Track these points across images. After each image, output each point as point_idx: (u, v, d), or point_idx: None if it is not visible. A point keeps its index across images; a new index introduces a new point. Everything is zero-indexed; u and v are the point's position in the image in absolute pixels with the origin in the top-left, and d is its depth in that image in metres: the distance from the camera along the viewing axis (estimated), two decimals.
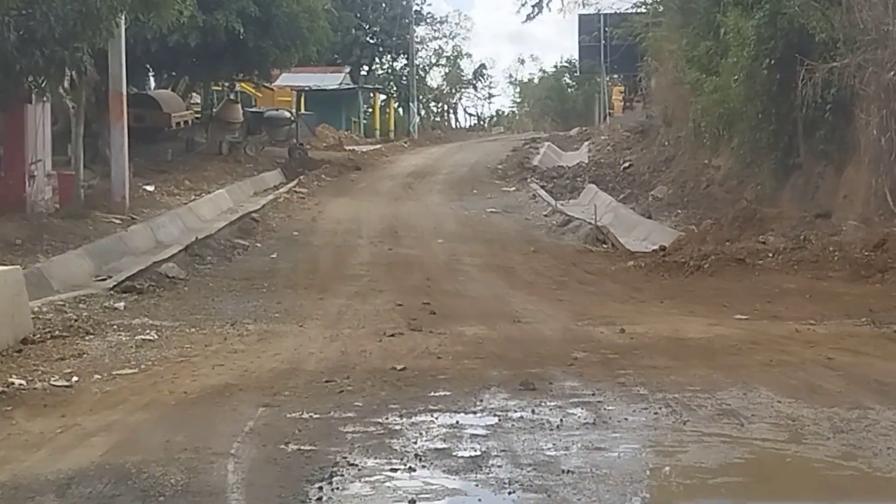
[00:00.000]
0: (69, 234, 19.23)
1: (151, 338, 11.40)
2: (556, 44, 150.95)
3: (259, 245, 21.18)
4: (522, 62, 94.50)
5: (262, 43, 33.10)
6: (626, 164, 34.78)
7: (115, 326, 12.08)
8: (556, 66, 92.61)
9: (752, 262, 17.18)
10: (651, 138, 39.62)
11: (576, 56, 60.17)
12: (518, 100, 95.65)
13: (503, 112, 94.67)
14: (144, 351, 10.73)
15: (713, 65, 25.56)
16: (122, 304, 13.70)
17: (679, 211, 26.28)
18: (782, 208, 21.67)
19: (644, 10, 39.13)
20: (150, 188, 27.53)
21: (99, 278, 16.90)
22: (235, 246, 20.27)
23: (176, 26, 30.97)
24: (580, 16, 52.22)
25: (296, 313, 13.38)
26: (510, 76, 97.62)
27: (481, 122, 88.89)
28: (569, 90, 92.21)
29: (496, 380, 9.26)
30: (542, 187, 31.41)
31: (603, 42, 50.13)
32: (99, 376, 9.58)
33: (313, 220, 25.66)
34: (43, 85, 21.07)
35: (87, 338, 11.32)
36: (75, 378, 9.49)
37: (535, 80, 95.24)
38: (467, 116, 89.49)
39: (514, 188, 32.39)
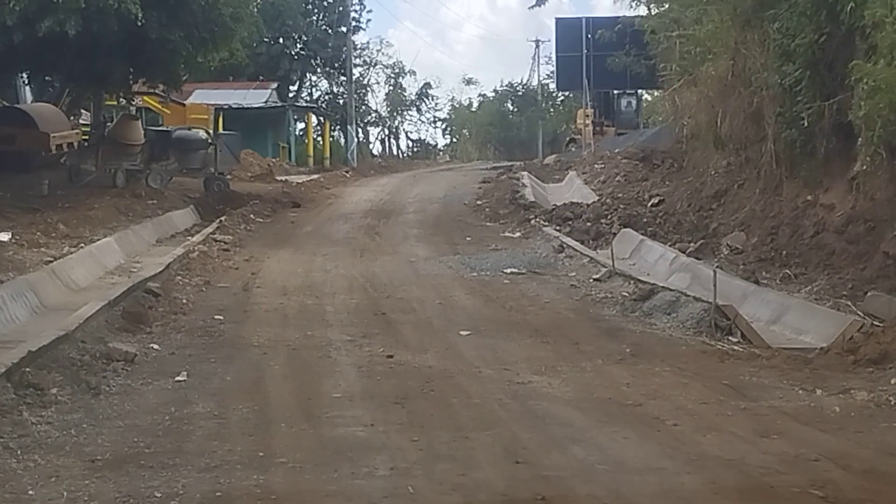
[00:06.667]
0: None
1: None
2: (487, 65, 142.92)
3: (156, 348, 11.97)
4: (468, 82, 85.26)
5: (168, 34, 24.20)
6: (656, 200, 26.49)
7: None
8: (496, 90, 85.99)
9: None
10: (666, 166, 31.71)
11: (517, 78, 52.38)
12: (449, 127, 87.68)
13: (433, 142, 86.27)
14: None
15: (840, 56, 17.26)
16: None
17: (786, 271, 17.95)
18: None
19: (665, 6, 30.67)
20: (3, 237, 18.75)
21: None
22: (111, 356, 11.02)
23: (48, 7, 22.46)
24: (557, 20, 44.25)
25: None
26: (452, 98, 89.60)
27: (426, 150, 80.00)
28: (510, 116, 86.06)
29: None
30: (559, 232, 22.81)
31: (585, 52, 41.85)
32: None
33: (245, 289, 16.58)
34: None
35: None
36: None
37: (474, 106, 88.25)
38: (410, 143, 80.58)
39: (518, 233, 23.71)
